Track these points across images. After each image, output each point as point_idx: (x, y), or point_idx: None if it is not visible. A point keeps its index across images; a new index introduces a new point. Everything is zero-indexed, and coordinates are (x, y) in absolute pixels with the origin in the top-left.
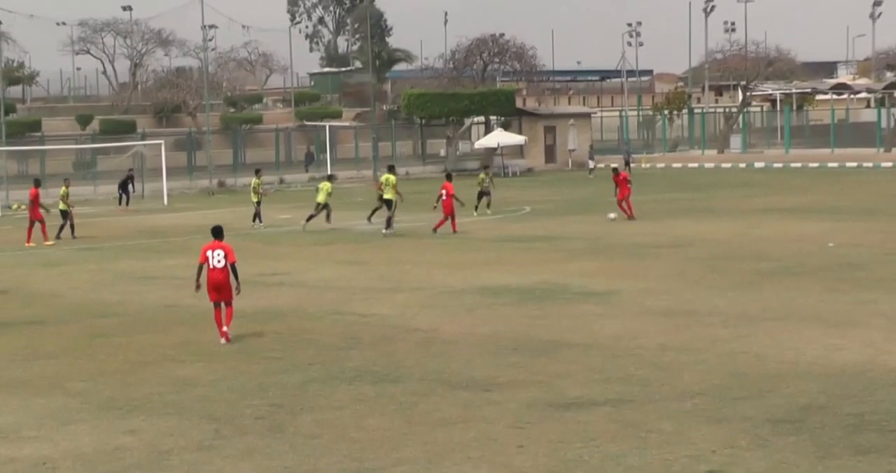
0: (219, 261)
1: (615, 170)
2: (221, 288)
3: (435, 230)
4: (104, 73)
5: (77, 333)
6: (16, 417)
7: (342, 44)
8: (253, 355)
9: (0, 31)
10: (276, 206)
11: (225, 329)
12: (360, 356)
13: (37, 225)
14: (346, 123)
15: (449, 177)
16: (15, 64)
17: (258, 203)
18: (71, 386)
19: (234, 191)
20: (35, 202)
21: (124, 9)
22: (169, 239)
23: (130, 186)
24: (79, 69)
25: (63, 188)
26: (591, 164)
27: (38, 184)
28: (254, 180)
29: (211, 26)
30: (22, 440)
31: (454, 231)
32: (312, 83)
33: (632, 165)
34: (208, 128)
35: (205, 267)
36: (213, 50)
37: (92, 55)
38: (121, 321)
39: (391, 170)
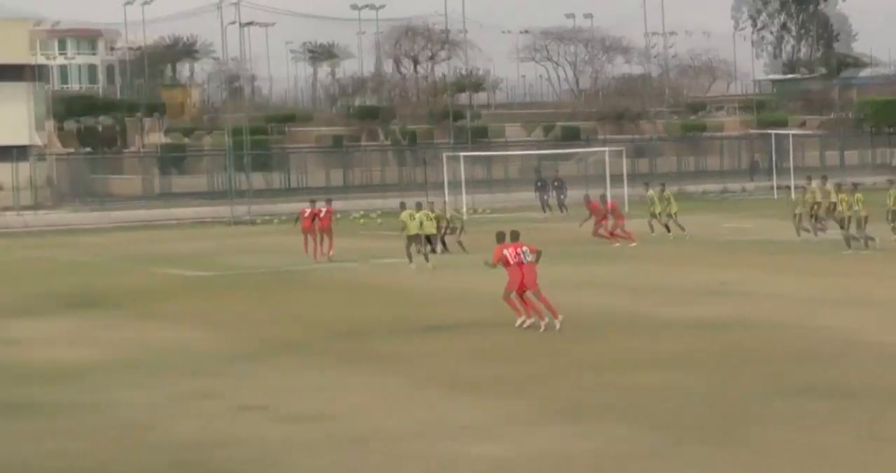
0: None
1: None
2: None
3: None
4: (557, 79)
5: (528, 336)
6: (476, 416)
7: (796, 50)
8: (700, 366)
9: (466, 39)
10: (740, 215)
11: None
12: (812, 370)
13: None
14: (797, 131)
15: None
16: (480, 71)
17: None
18: (528, 389)
19: (691, 197)
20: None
21: (585, 16)
22: (611, 246)
23: (563, 194)
24: (523, 76)
25: (437, 210)
26: None
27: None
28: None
29: (671, 33)
30: (481, 439)
31: None
32: (774, 90)
33: None
34: (663, 135)
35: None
36: (673, 57)
37: (553, 62)
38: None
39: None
